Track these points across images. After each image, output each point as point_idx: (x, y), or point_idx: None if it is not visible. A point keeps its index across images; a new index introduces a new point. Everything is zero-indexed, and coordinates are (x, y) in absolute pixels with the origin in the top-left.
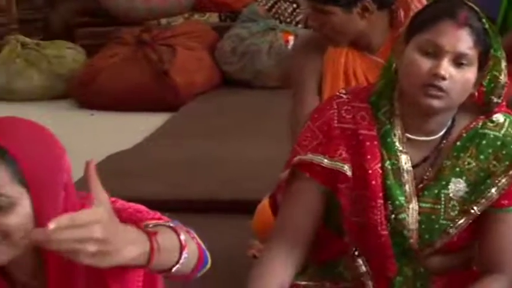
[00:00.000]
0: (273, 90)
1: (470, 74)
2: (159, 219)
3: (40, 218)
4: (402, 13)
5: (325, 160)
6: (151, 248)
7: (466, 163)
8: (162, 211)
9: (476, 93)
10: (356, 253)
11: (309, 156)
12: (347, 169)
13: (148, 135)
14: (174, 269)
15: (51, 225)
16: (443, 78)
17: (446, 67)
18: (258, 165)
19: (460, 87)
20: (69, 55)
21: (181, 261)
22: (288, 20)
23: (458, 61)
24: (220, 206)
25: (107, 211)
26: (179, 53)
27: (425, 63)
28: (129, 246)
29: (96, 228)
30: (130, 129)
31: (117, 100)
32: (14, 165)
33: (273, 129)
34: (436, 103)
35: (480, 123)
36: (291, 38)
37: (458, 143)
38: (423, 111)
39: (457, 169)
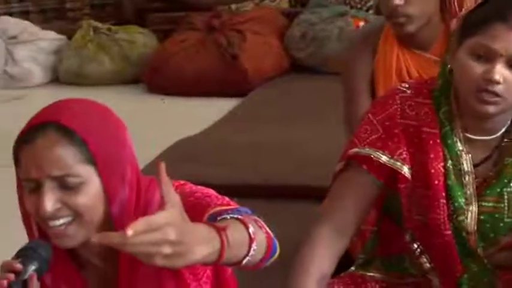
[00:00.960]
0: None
1: None
2: (228, 204)
3: (110, 196)
4: (456, 3)
5: (384, 157)
6: (222, 245)
7: None
8: (231, 196)
9: None
10: (418, 251)
11: (367, 150)
12: (406, 171)
13: (217, 120)
14: (243, 262)
15: (129, 231)
16: (498, 83)
17: (499, 71)
18: (326, 151)
19: None
20: (140, 40)
21: (250, 253)
22: (359, 5)
23: None
24: (287, 191)
25: (180, 213)
26: (249, 39)
27: (478, 68)
28: (201, 246)
29: (170, 231)
30: (200, 114)
31: (187, 85)
32: (81, 145)
33: (341, 115)
34: (491, 109)
35: None
36: (362, 24)
37: None
38: (479, 115)
39: None
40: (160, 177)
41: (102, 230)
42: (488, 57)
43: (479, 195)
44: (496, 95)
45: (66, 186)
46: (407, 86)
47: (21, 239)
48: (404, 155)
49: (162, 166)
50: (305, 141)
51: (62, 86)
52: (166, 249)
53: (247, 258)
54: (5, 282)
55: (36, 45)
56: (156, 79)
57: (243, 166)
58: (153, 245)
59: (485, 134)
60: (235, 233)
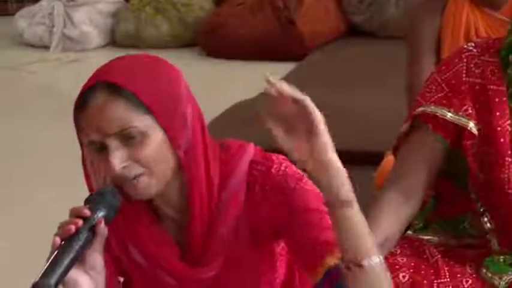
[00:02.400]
0: (400, 40)
1: None
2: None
3: (173, 142)
4: None
5: (449, 114)
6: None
7: None
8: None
9: None
10: (482, 210)
11: (433, 108)
12: (472, 126)
13: None
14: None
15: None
16: None
17: None
18: (383, 116)
19: None
20: (197, 3)
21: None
22: None
23: None
24: (346, 156)
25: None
26: (306, 2)
27: None
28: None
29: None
30: (256, 77)
31: (243, 48)
32: (132, 97)
33: (399, 80)
34: None
35: None
36: None
37: None
38: None
39: None
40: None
41: (173, 178)
42: None
43: None
44: None
45: (129, 141)
46: (473, 44)
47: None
48: (470, 111)
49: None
50: (362, 107)
51: (119, 48)
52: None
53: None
54: (73, 227)
55: (94, 7)
56: (212, 42)
57: None
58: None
59: None
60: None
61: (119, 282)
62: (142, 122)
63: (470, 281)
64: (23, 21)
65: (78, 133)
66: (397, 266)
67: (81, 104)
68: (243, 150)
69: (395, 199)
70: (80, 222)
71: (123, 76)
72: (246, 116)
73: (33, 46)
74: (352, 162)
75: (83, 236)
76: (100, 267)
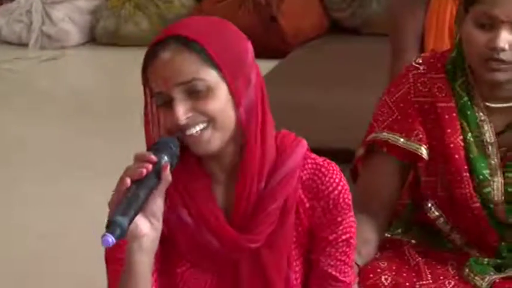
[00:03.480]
0: (383, 37)
1: None
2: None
3: (236, 99)
4: None
5: (401, 140)
6: None
7: None
8: None
9: None
10: (448, 228)
11: (385, 135)
12: (423, 151)
13: None
14: None
15: None
16: (503, 50)
17: (504, 37)
18: (366, 115)
19: None
20: (177, 0)
21: None
22: None
23: None
24: (326, 154)
25: None
26: None
27: (482, 37)
28: None
29: None
30: None
31: None
32: (202, 51)
33: (381, 77)
34: (499, 76)
35: None
36: None
37: None
38: (490, 84)
39: None
40: None
41: (234, 136)
42: (491, 24)
43: (504, 166)
44: (503, 62)
45: (195, 93)
46: (420, 61)
47: None
48: (421, 135)
49: None
50: (345, 104)
51: (98, 46)
52: None
53: None
54: (144, 170)
55: (73, 5)
56: None
57: (281, 128)
58: None
59: (505, 101)
60: None
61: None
62: (209, 75)
63: (453, 283)
64: (1, 18)
65: (144, 85)
66: (378, 270)
67: (151, 55)
68: (297, 141)
69: (365, 220)
70: (150, 166)
71: (194, 30)
72: None
73: (11, 44)
74: (336, 160)
75: (152, 181)
76: (160, 214)
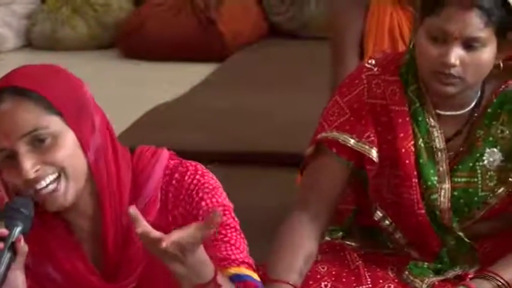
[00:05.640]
0: (322, 40)
1: (485, 54)
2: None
3: (83, 144)
4: None
5: (352, 140)
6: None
7: (499, 131)
8: (208, 162)
9: (502, 64)
10: (392, 228)
11: (335, 135)
12: (374, 154)
13: (195, 85)
14: None
15: (164, 244)
16: (453, 66)
17: (455, 54)
18: (306, 117)
19: (474, 69)
20: (115, 3)
21: None
22: None
23: (470, 44)
24: (264, 157)
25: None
26: (226, 2)
27: (434, 50)
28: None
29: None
30: (177, 79)
31: (163, 50)
32: (40, 99)
33: (321, 80)
34: (450, 89)
35: (510, 86)
36: None
37: (489, 110)
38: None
39: (491, 138)
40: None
41: (85, 186)
42: (444, 38)
43: (452, 171)
44: (454, 76)
45: (40, 143)
46: (373, 63)
47: None
48: (372, 137)
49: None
50: (284, 107)
51: (35, 50)
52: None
53: None
54: None
55: (8, 8)
56: (131, 44)
57: (222, 132)
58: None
59: (455, 110)
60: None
61: None
62: (52, 122)
63: (392, 286)
64: None
65: None
66: (318, 276)
67: None
68: (156, 157)
69: (306, 219)
70: (1, 245)
71: (31, 80)
72: (166, 119)
73: None
74: (275, 164)
75: (5, 258)
76: (23, 285)
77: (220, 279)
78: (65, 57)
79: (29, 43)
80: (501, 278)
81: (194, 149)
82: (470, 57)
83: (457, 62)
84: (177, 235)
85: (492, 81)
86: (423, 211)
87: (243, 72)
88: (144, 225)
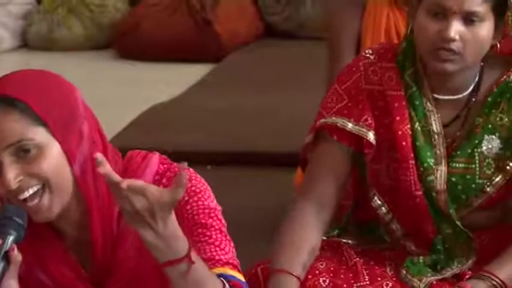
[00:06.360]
0: (318, 40)
1: (483, 30)
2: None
3: (69, 156)
4: None
5: (350, 124)
6: (187, 256)
7: (498, 119)
8: (204, 163)
9: (499, 45)
10: (389, 216)
11: (333, 119)
12: (371, 136)
13: (191, 86)
14: None
15: (124, 184)
16: (453, 40)
17: (455, 28)
18: (302, 117)
19: (473, 45)
20: (111, 4)
21: None
22: None
23: (469, 19)
24: (261, 158)
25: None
26: (222, 3)
27: (434, 26)
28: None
29: (158, 209)
30: (173, 80)
31: (160, 50)
32: (26, 109)
33: (317, 80)
34: (449, 66)
35: (511, 76)
36: None
37: (489, 99)
38: (440, 74)
39: (490, 126)
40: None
41: (75, 192)
42: (444, 15)
43: (449, 156)
44: (453, 52)
45: (25, 155)
46: (371, 52)
47: None
48: (370, 121)
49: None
50: (280, 107)
51: (31, 51)
52: (144, 217)
53: None
54: None
55: (4, 9)
56: (127, 44)
57: (218, 132)
58: (134, 209)
59: (453, 94)
60: (204, 272)
61: None
62: (37, 134)
63: (390, 284)
64: None
65: None
66: (317, 271)
67: None
68: (146, 162)
69: (311, 210)
70: None
71: (19, 89)
72: (162, 119)
73: None
74: (270, 164)
75: (1, 266)
76: None
77: (194, 257)
78: (60, 58)
79: (25, 43)
80: (496, 277)
81: (190, 149)
82: (470, 32)
83: (457, 37)
84: (140, 184)
85: (490, 67)
86: (420, 192)
87: (239, 72)
88: (108, 168)
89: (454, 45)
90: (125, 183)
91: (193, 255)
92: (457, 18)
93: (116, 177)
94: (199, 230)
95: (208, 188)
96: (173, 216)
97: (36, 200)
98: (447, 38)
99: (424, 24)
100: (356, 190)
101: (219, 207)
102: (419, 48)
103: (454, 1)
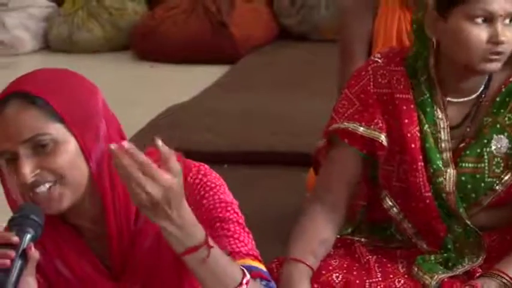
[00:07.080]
0: (331, 43)
1: None
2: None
3: (85, 153)
4: None
5: (361, 128)
6: (205, 243)
7: (506, 119)
8: (220, 163)
9: None
10: (401, 216)
11: (345, 124)
12: (383, 139)
13: (207, 87)
14: None
15: (126, 144)
16: (503, 43)
17: (502, 32)
18: (315, 119)
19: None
20: (130, 7)
21: None
22: None
23: (508, 19)
24: (276, 158)
25: (179, 184)
26: (238, 6)
27: (482, 33)
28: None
29: (159, 190)
30: (189, 81)
31: (176, 52)
32: (45, 105)
33: (331, 82)
34: (496, 66)
35: None
36: None
37: (497, 99)
38: (470, 75)
39: (498, 125)
40: (161, 150)
41: (90, 188)
42: (487, 19)
43: (459, 156)
44: (499, 53)
45: (41, 149)
46: (379, 55)
47: None
48: (381, 124)
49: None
50: (294, 109)
51: (52, 53)
52: (160, 206)
53: None
54: (8, 261)
55: (26, 12)
56: (145, 46)
57: (232, 133)
58: (139, 187)
59: (465, 95)
60: (223, 259)
61: None
62: (54, 129)
63: (402, 281)
64: None
65: None
66: (330, 267)
67: None
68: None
69: (324, 210)
70: (13, 253)
71: (39, 85)
72: (179, 120)
73: None
74: (281, 164)
75: (17, 265)
76: None
77: (212, 242)
78: (81, 60)
79: (46, 46)
80: (506, 275)
81: (207, 150)
82: (509, 32)
83: (506, 39)
84: (155, 169)
85: (502, 72)
86: (430, 194)
87: (254, 74)
88: (132, 146)
89: (502, 47)
90: (148, 160)
91: (211, 241)
92: (500, 20)
93: (140, 154)
94: (218, 224)
95: (224, 183)
96: (186, 204)
97: (47, 191)
98: (499, 42)
99: (471, 32)
100: (368, 191)
101: (235, 201)
102: (463, 56)
103: (498, 5)
